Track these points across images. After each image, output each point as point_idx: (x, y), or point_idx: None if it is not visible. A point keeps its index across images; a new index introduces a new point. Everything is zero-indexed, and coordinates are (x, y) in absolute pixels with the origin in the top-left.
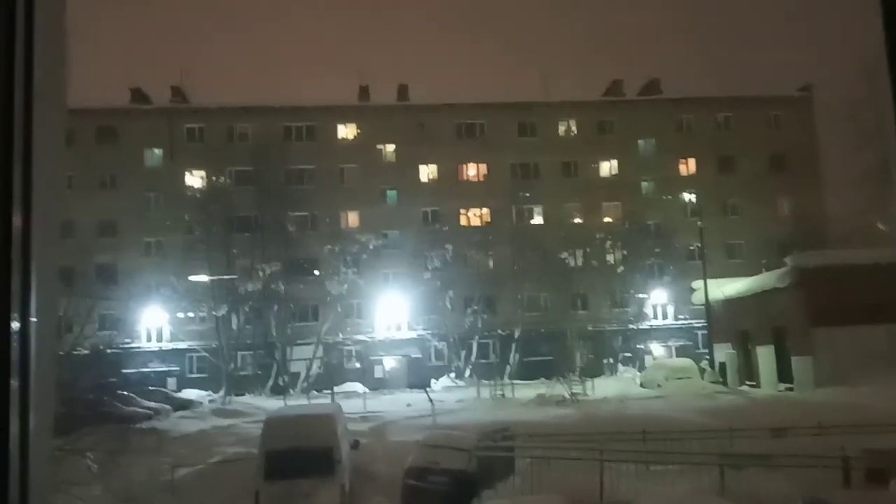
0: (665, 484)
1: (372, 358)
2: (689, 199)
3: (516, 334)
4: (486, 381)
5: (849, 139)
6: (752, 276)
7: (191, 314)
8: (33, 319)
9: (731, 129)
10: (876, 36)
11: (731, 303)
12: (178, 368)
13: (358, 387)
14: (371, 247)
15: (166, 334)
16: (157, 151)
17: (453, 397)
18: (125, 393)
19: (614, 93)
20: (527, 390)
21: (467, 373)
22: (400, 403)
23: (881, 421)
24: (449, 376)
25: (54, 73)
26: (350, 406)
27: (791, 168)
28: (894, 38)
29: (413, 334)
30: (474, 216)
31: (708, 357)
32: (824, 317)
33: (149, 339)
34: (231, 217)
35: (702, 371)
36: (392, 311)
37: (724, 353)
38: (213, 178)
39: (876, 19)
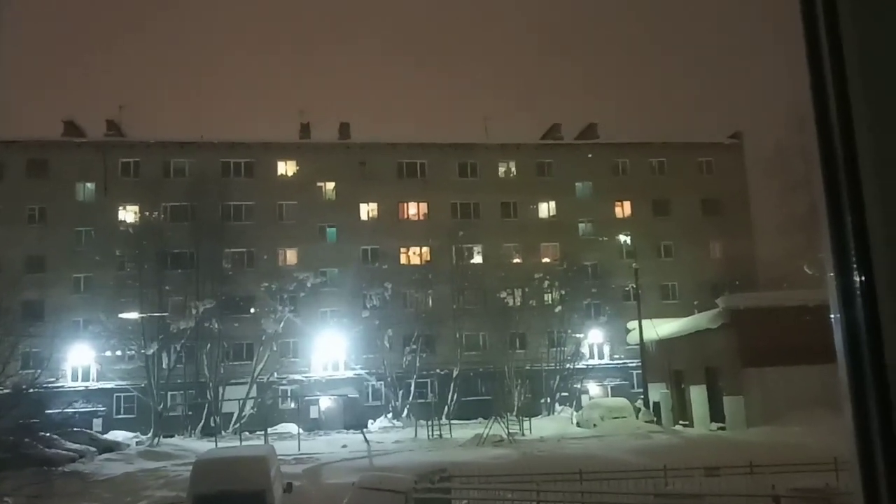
0: None
1: (307, 398)
2: (625, 241)
3: (455, 373)
4: (423, 422)
5: (778, 185)
6: (685, 316)
7: (119, 353)
8: None
9: (665, 174)
10: (803, 86)
11: (665, 343)
12: (104, 409)
13: (293, 427)
14: (309, 284)
15: (93, 373)
16: (90, 185)
17: (390, 438)
18: (48, 434)
19: (553, 136)
20: (464, 430)
21: (405, 413)
22: (336, 444)
23: (811, 460)
24: (386, 416)
25: None
26: (284, 447)
27: (723, 212)
28: (819, 90)
29: (350, 374)
30: (414, 255)
31: (643, 396)
32: (755, 357)
33: (75, 378)
34: (165, 253)
35: (637, 410)
36: (329, 349)
37: (658, 392)
38: (148, 214)
39: (802, 71)
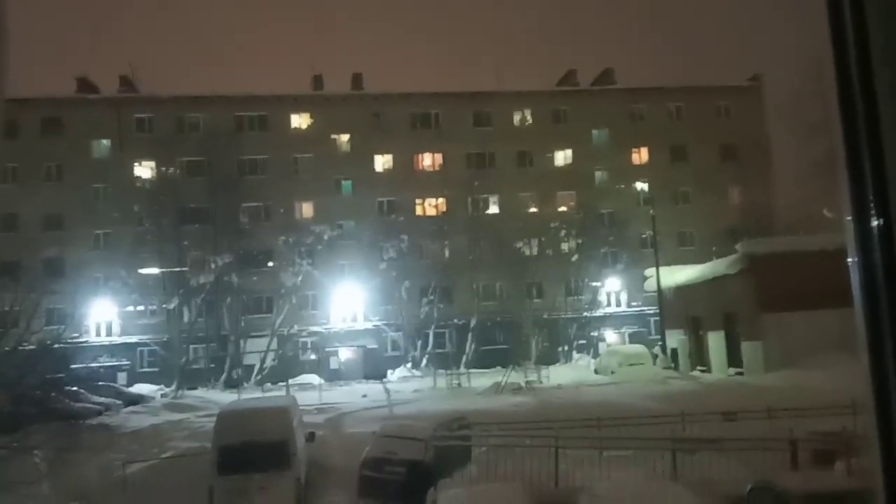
0: (619, 469)
1: (327, 349)
2: (642, 188)
3: (472, 323)
4: (442, 371)
5: (798, 130)
6: (703, 263)
7: (141, 307)
8: None
9: (683, 119)
10: (823, 29)
11: (683, 290)
12: (128, 363)
13: (313, 378)
14: (326, 237)
15: (116, 328)
16: (105, 142)
17: (410, 387)
18: (74, 388)
19: (568, 82)
20: (483, 379)
21: (423, 363)
22: (356, 394)
23: (828, 404)
24: (405, 366)
25: None
26: (305, 398)
27: (741, 157)
28: (839, 33)
29: (369, 325)
30: (430, 206)
31: (660, 343)
32: (774, 302)
33: (98, 334)
34: (182, 208)
35: (654, 357)
36: (347, 302)
37: (676, 339)
38: (163, 169)
39: (821, 14)
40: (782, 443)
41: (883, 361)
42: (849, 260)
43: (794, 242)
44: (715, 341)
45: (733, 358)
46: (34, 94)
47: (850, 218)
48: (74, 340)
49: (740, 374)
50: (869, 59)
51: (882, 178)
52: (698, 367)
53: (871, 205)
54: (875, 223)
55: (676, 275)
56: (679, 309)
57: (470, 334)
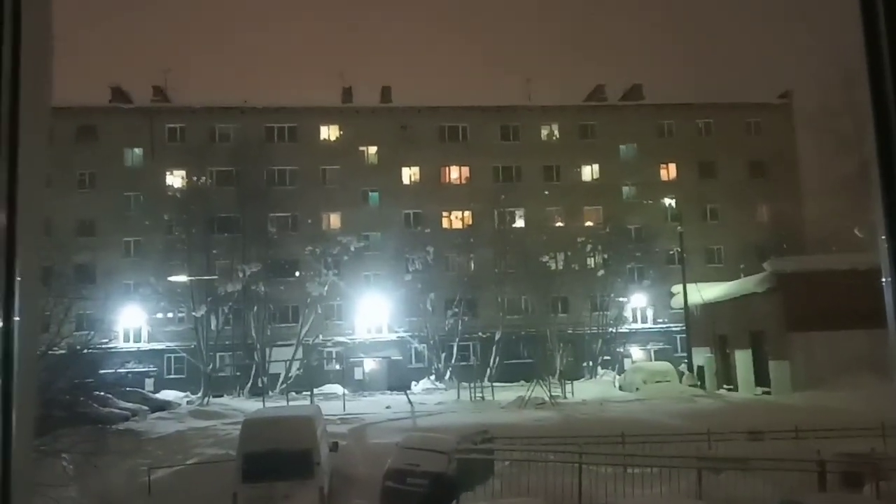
0: (643, 487)
1: (352, 360)
2: (670, 204)
3: (497, 337)
4: (466, 384)
5: (827, 146)
6: (730, 280)
7: (170, 315)
8: (16, 318)
9: (712, 135)
10: (855, 44)
11: (710, 307)
12: (155, 369)
13: (338, 388)
14: (352, 248)
15: (144, 335)
16: (138, 151)
17: (433, 399)
18: (102, 394)
19: (596, 97)
20: (506, 393)
21: (447, 375)
22: (380, 405)
23: (857, 425)
24: (429, 378)
25: (40, 74)
26: (329, 408)
27: (770, 174)
28: (874, 47)
29: (393, 336)
30: (456, 219)
31: (686, 361)
32: (801, 322)
33: (126, 340)
34: (211, 217)
35: (680, 374)
36: (373, 312)
37: (702, 356)
38: (194, 178)
39: (855, 27)
40: (810, 463)
41: None
42: (882, 279)
43: (822, 261)
44: (742, 360)
45: (760, 377)
46: (69, 102)
47: (883, 237)
48: (103, 346)
49: (767, 393)
50: None
51: None
52: (725, 386)
53: None
54: None
55: (704, 292)
56: (706, 326)
57: (494, 347)
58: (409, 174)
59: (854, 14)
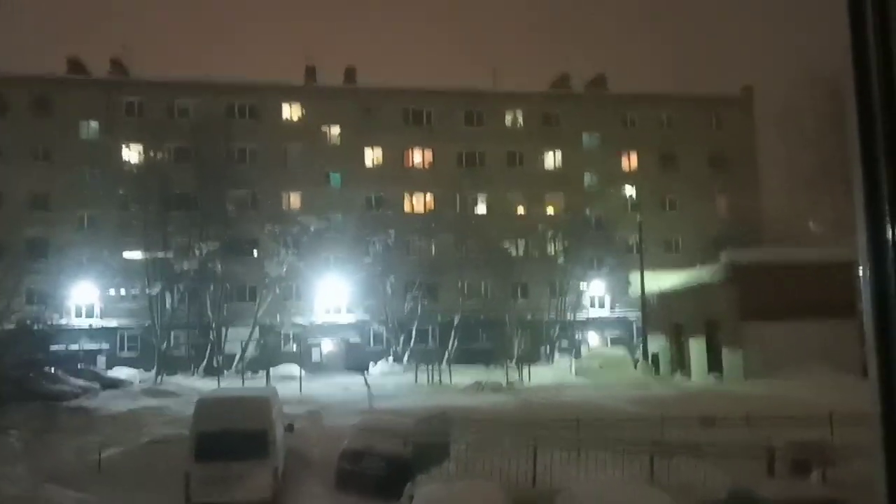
0: (597, 471)
1: (310, 341)
2: (630, 194)
3: (456, 321)
4: (424, 367)
5: (787, 142)
6: (688, 270)
7: (124, 291)
8: None
9: (674, 127)
10: (820, 43)
11: (667, 296)
12: (108, 346)
13: (295, 369)
14: (312, 229)
15: (97, 311)
16: (94, 124)
17: (391, 382)
18: (53, 370)
19: (561, 86)
20: (464, 377)
21: (406, 358)
22: (337, 387)
23: (807, 413)
24: (387, 361)
25: None
26: (286, 389)
27: (730, 167)
28: (859, 38)
29: (352, 318)
30: (418, 202)
31: (642, 348)
32: (755, 311)
33: (79, 316)
34: (169, 194)
35: (635, 361)
36: (332, 294)
37: (657, 344)
38: (152, 154)
39: (813, 25)
40: (760, 450)
41: (892, 371)
42: (860, 270)
43: (777, 254)
44: (696, 348)
45: (714, 365)
46: (25, 72)
47: (863, 229)
48: (55, 322)
49: (720, 381)
50: (892, 70)
51: None
52: (679, 373)
53: (887, 216)
54: (889, 235)
55: (661, 281)
56: (662, 315)
57: (453, 331)
58: (373, 156)
59: (833, 9)
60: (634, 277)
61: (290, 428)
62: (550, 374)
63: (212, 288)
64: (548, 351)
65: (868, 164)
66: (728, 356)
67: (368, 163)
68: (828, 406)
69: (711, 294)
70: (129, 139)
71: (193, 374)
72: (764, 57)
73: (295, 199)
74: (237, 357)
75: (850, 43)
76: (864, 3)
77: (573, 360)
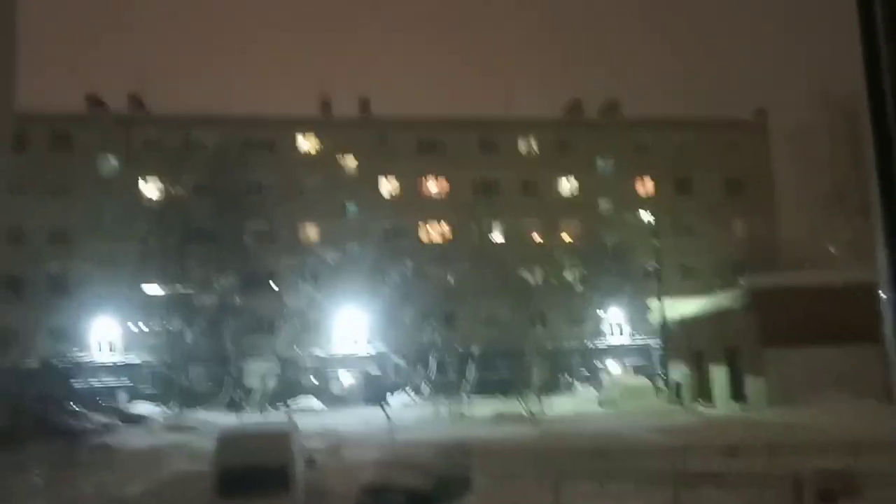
0: (620, 502)
1: (329, 373)
2: (647, 220)
3: (475, 351)
4: (443, 398)
5: (803, 165)
6: (706, 296)
7: (144, 327)
8: None
9: (688, 151)
10: (832, 66)
11: (686, 322)
12: (129, 382)
13: (314, 402)
14: (330, 261)
15: (118, 346)
16: (113, 159)
17: (411, 414)
18: (74, 406)
19: (574, 112)
20: (485, 407)
21: (425, 389)
22: (357, 420)
23: (832, 441)
24: (407, 392)
25: (4, 78)
26: (306, 422)
27: (746, 190)
28: (873, 62)
29: (371, 350)
30: (435, 232)
31: (663, 376)
32: (777, 338)
33: (100, 351)
34: (187, 228)
35: (657, 390)
36: (350, 326)
37: (678, 372)
38: (170, 188)
39: (825, 48)
40: (785, 480)
41: None
42: (882, 295)
43: (797, 278)
44: (718, 375)
45: (736, 392)
46: (44, 109)
47: (884, 253)
48: (76, 358)
49: (743, 408)
50: None
51: None
52: (701, 401)
53: None
54: None
55: (680, 307)
56: (682, 342)
57: (472, 362)
58: (388, 186)
59: (846, 33)
60: (654, 304)
61: (311, 462)
62: (571, 404)
63: (231, 321)
64: (568, 380)
65: (886, 186)
66: (750, 383)
67: (385, 193)
68: (851, 433)
69: (731, 320)
70: (148, 173)
71: (214, 409)
72: (778, 79)
73: (312, 231)
74: (257, 391)
75: (864, 65)
76: (876, 24)
77: (594, 389)
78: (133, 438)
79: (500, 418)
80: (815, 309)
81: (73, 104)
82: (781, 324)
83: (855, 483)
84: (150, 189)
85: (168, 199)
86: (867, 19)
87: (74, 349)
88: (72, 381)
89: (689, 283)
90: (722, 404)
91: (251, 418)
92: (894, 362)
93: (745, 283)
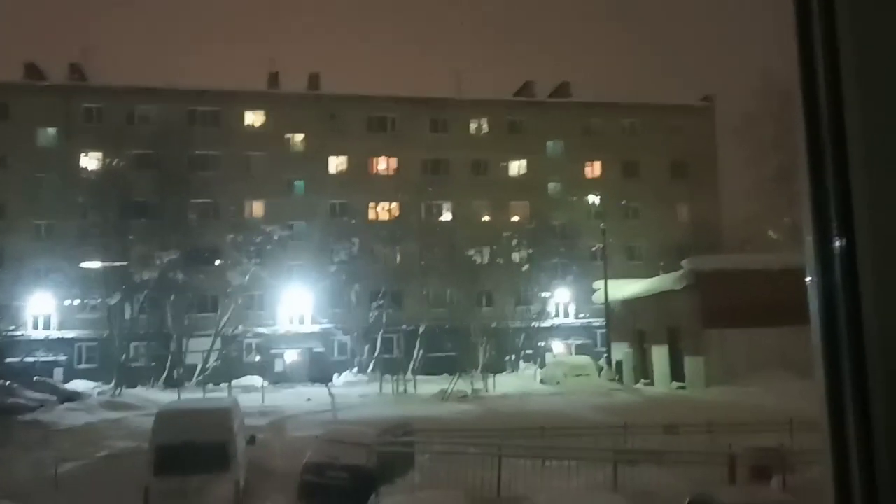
0: (561, 479)
1: (273, 351)
2: (594, 201)
3: (421, 330)
4: (389, 376)
5: (746, 150)
6: (650, 277)
7: (82, 302)
8: None
9: (636, 135)
10: (774, 52)
11: (630, 303)
12: (66, 358)
13: (257, 380)
14: (275, 238)
15: (54, 322)
16: (51, 130)
17: (355, 392)
18: (7, 383)
19: (525, 94)
20: (429, 386)
21: (370, 367)
22: (300, 398)
23: (767, 420)
24: (351, 371)
25: None
26: (248, 400)
27: (691, 175)
28: (806, 47)
29: (316, 328)
30: (383, 210)
31: (606, 355)
32: (717, 319)
33: (35, 327)
34: (129, 202)
35: (599, 369)
36: (295, 303)
37: (621, 351)
38: (111, 161)
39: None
40: (721, 457)
41: (840, 382)
42: (808, 279)
43: (738, 261)
44: (659, 355)
45: (676, 372)
46: None
47: (810, 236)
48: (10, 333)
49: (682, 388)
50: (838, 77)
51: (846, 197)
52: (642, 381)
53: (834, 224)
54: (837, 243)
55: (624, 288)
56: (625, 322)
57: (418, 340)
58: (336, 164)
59: (783, 18)
60: (598, 285)
61: (251, 440)
62: (515, 383)
63: (172, 298)
64: (513, 359)
65: (814, 170)
66: (690, 363)
67: (332, 170)
68: (788, 412)
69: (673, 301)
70: (89, 146)
71: (153, 386)
72: (725, 65)
73: (258, 207)
74: (198, 368)
75: (798, 53)
76: (812, 14)
77: (538, 368)
78: (69, 416)
79: (444, 396)
80: (754, 291)
81: (10, 74)
82: (723, 305)
83: (788, 460)
84: (91, 162)
85: (109, 173)
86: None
87: (9, 325)
88: (6, 357)
89: (634, 265)
90: (662, 383)
91: (192, 396)
92: (817, 345)
93: (688, 265)
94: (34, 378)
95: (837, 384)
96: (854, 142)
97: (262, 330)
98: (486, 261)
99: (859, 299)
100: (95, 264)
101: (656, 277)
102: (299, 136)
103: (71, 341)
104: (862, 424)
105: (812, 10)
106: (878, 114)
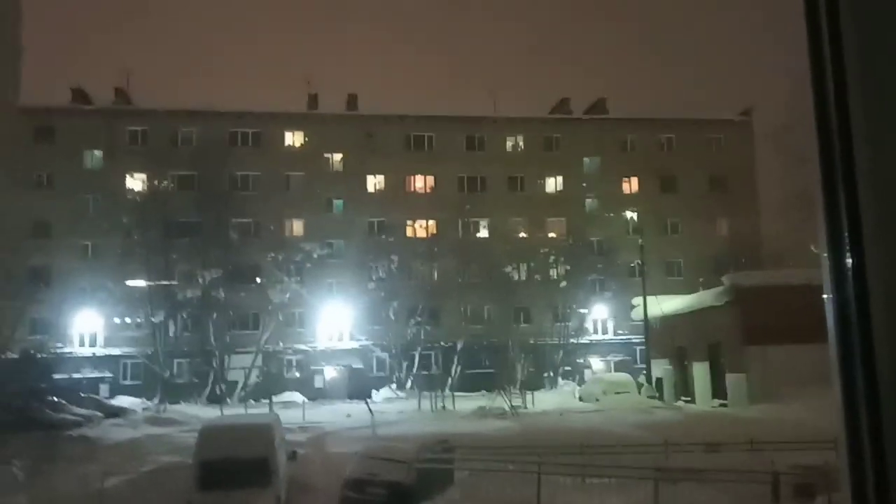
0: (601, 497)
1: (312, 368)
2: (632, 217)
3: (459, 346)
4: (427, 393)
5: (785, 162)
6: (690, 293)
7: (127, 320)
8: None
9: (674, 150)
10: (804, 66)
11: (669, 319)
12: (111, 375)
13: (298, 397)
14: (315, 255)
15: (100, 340)
16: (97, 153)
17: (394, 408)
18: (55, 399)
19: (561, 110)
20: (467, 402)
21: (409, 384)
22: (340, 414)
23: (810, 437)
24: (390, 387)
25: (8, 77)
26: (289, 416)
27: (730, 189)
28: (818, 68)
29: (355, 345)
30: (420, 227)
31: (645, 372)
32: (758, 335)
33: (82, 344)
34: (172, 222)
35: (639, 386)
36: (334, 320)
37: (661, 368)
38: (155, 182)
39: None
40: (764, 475)
41: (854, 396)
42: (824, 296)
43: (778, 276)
44: (700, 372)
45: (718, 389)
46: (28, 103)
47: (825, 254)
48: (58, 350)
49: (724, 405)
50: (846, 96)
51: (856, 216)
52: (683, 398)
53: (846, 242)
54: (849, 261)
55: (663, 304)
56: (665, 339)
57: (456, 357)
58: (374, 182)
59: (802, 38)
60: (637, 301)
61: (292, 455)
62: (554, 400)
63: (215, 315)
64: (551, 376)
65: (827, 186)
66: (732, 380)
67: (371, 188)
68: (832, 429)
69: (714, 317)
70: (133, 168)
71: (196, 403)
72: (764, 76)
73: (298, 226)
74: (240, 384)
75: (810, 67)
76: (822, 38)
77: (577, 385)
78: (115, 431)
79: (482, 413)
80: (795, 306)
81: (58, 98)
82: (763, 321)
83: (832, 478)
84: (136, 183)
85: (153, 193)
86: (813, 27)
87: (56, 342)
88: (54, 374)
89: (673, 281)
90: (703, 401)
91: (234, 412)
92: (833, 360)
93: (728, 280)
94: (81, 394)
95: (852, 398)
96: (862, 162)
97: (301, 346)
98: (523, 277)
99: (870, 315)
100: (140, 283)
101: (696, 293)
102: (338, 156)
103: (116, 358)
104: (876, 437)
105: (822, 33)
106: (883, 132)
